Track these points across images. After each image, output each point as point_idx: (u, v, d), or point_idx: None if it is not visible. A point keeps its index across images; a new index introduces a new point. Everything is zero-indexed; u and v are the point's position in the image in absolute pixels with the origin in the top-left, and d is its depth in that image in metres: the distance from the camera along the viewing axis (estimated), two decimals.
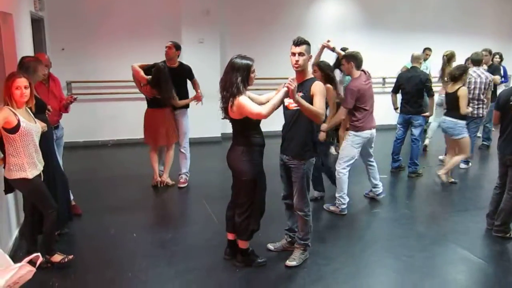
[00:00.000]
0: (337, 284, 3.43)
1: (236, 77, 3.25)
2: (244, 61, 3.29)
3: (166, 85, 5.15)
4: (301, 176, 3.51)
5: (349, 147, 4.74)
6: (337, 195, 4.78)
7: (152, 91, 5.19)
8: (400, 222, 4.68)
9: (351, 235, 4.38)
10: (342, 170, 4.73)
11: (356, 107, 4.65)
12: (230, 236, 3.68)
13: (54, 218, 3.45)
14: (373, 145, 5.01)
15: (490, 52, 7.28)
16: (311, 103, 3.30)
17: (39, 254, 2.62)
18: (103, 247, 3.98)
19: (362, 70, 4.73)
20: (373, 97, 4.80)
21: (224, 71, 3.36)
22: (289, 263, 3.62)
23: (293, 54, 3.38)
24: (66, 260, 3.54)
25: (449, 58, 7.17)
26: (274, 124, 3.78)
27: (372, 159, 5.10)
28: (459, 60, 7.33)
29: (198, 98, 5.57)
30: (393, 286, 3.52)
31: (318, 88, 3.35)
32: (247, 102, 3.22)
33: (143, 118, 5.48)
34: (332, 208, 4.83)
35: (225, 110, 3.38)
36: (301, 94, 3.32)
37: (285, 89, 3.20)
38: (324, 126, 4.62)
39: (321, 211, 4.87)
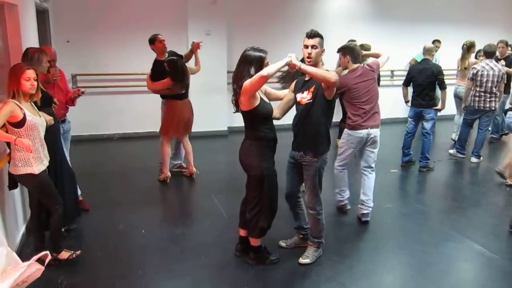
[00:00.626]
0: (353, 282, 3.35)
1: (248, 70, 3.16)
2: (257, 53, 3.20)
3: (184, 74, 5.10)
4: (313, 174, 3.42)
5: (344, 145, 4.46)
6: (335, 191, 4.65)
7: (180, 85, 5.13)
8: (413, 217, 4.60)
9: (364, 231, 4.29)
10: (337, 167, 4.54)
11: (347, 103, 4.34)
12: (242, 233, 3.60)
13: (61, 214, 3.39)
14: (375, 147, 4.34)
15: (506, 43, 7.11)
16: (324, 95, 3.24)
17: (47, 252, 2.57)
18: (112, 242, 3.91)
19: (366, 65, 4.38)
20: (373, 93, 4.28)
21: (236, 64, 3.27)
22: (302, 260, 3.54)
23: (306, 46, 3.28)
24: (74, 256, 3.48)
25: (468, 47, 7.05)
26: (285, 119, 3.68)
27: (370, 169, 4.42)
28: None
29: (197, 45, 5.45)
30: (410, 283, 3.43)
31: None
32: (248, 80, 3.12)
33: (169, 109, 5.32)
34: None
35: (236, 103, 3.29)
36: (300, 58, 3.27)
37: (288, 59, 3.11)
38: None
39: (333, 207, 4.77)
